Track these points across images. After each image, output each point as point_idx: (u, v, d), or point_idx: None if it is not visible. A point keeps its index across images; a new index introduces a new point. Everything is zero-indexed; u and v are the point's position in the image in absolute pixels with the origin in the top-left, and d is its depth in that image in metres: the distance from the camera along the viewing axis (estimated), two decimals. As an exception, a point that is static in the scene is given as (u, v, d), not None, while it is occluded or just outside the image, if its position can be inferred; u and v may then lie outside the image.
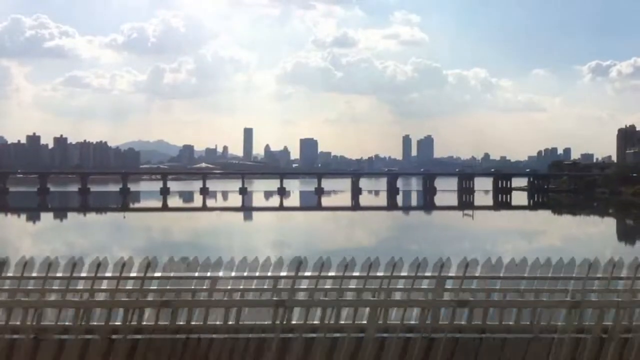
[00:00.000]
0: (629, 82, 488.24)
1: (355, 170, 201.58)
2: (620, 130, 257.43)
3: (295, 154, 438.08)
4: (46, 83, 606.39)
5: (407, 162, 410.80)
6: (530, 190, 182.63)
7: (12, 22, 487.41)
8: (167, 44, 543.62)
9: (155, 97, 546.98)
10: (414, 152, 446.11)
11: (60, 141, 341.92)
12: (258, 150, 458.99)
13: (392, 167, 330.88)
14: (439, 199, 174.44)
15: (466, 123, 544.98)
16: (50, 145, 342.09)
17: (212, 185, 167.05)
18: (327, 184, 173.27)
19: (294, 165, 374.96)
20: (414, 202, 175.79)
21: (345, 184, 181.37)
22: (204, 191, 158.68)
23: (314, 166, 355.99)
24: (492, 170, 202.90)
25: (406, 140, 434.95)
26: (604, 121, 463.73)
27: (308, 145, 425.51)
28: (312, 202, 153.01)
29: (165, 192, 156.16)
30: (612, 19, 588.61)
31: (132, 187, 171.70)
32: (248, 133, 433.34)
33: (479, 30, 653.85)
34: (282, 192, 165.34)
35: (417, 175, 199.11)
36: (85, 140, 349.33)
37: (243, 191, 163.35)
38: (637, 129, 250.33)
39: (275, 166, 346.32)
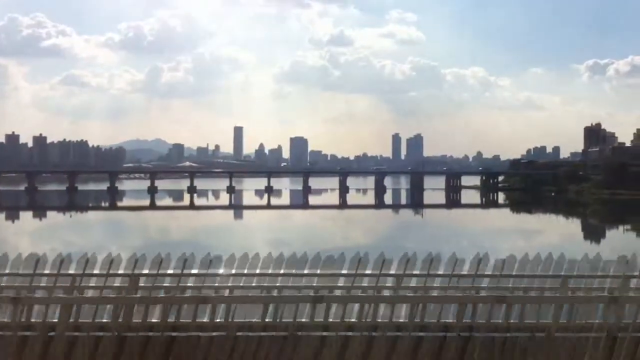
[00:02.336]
0: (626, 80, 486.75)
1: (307, 169, 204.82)
2: (586, 129, 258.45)
3: (287, 153, 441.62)
4: (44, 82, 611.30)
5: (396, 161, 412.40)
6: (483, 188, 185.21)
7: (9, 21, 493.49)
8: (164, 43, 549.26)
9: (153, 96, 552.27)
10: (405, 151, 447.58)
11: (39, 140, 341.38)
12: (254, 149, 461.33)
13: (381, 165, 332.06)
14: (389, 197, 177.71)
15: (465, 122, 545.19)
16: (30, 144, 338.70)
17: (162, 184, 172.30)
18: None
19: (282, 164, 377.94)
20: (364, 200, 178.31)
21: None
22: (152, 190, 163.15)
23: (301, 165, 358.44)
24: (445, 168, 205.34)
25: (396, 139, 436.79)
26: (602, 120, 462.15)
27: (298, 144, 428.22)
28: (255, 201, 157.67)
29: (113, 191, 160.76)
30: (608, 17, 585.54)
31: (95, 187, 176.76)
32: (238, 132, 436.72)
33: (475, 28, 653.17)
34: (232, 191, 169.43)
35: (370, 175, 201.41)
36: (65, 139, 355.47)
37: (192, 190, 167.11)
38: (603, 127, 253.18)
39: (264, 165, 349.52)
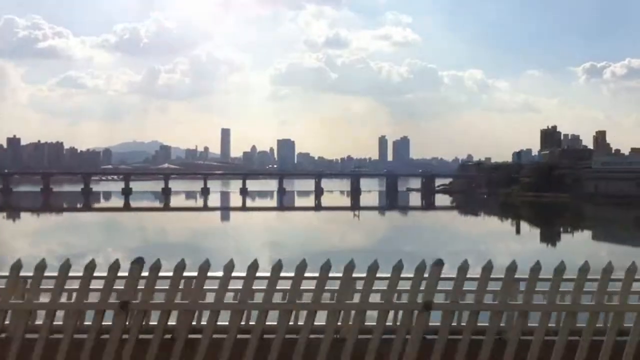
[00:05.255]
0: (623, 83, 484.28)
1: (248, 172, 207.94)
2: (542, 131, 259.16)
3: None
4: (42, 83, 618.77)
5: (383, 163, 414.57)
6: (423, 191, 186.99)
7: (5, 22, 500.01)
8: (160, 45, 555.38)
9: (150, 98, 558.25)
10: (392, 153, 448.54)
11: (12, 142, 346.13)
12: (247, 151, 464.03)
13: (364, 167, 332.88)
14: (330, 199, 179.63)
15: (461, 124, 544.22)
16: (5, 146, 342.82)
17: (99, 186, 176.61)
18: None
19: (267, 166, 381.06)
20: (304, 202, 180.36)
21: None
22: (87, 192, 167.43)
23: (288, 167, 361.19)
24: (385, 170, 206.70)
25: (382, 141, 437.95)
26: (600, 122, 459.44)
27: (285, 146, 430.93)
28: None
29: (48, 192, 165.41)
30: (605, 20, 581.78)
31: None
32: (225, 134, 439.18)
33: (470, 31, 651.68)
34: (168, 192, 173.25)
35: (310, 177, 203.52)
36: (39, 141, 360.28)
37: (127, 191, 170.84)
38: (558, 130, 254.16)
39: (250, 167, 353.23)
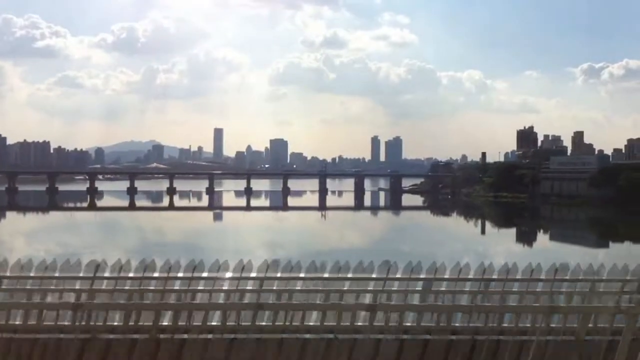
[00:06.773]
0: (621, 84, 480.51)
1: (211, 173, 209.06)
2: (519, 132, 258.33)
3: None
4: (40, 83, 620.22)
5: (375, 163, 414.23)
6: (391, 191, 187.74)
7: (3, 21, 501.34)
8: (157, 44, 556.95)
9: (148, 98, 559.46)
10: (385, 153, 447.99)
11: None
12: (246, 150, 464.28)
13: (358, 167, 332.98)
14: (297, 200, 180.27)
15: (459, 124, 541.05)
16: None
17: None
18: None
19: (258, 166, 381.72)
20: (268, 202, 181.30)
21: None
22: (51, 190, 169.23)
23: (281, 167, 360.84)
24: (355, 170, 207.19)
25: (375, 142, 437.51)
26: (599, 123, 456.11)
27: (277, 145, 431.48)
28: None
29: (12, 191, 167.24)
30: (603, 21, 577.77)
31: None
32: (218, 133, 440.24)
33: (468, 32, 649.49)
34: (133, 192, 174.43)
35: (278, 176, 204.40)
36: (25, 140, 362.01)
37: (94, 191, 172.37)
38: (535, 131, 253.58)
39: (243, 167, 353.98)
